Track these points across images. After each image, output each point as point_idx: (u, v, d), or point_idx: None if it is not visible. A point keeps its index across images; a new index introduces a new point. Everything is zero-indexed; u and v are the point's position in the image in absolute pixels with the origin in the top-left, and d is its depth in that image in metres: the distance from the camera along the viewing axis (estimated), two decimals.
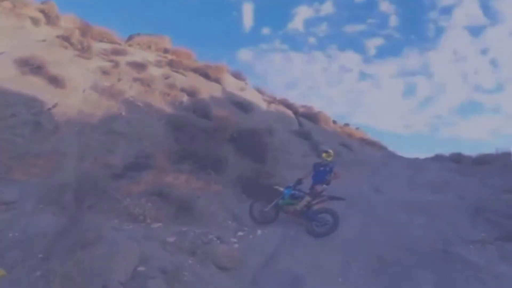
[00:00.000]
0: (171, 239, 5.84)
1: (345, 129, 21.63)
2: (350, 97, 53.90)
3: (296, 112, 19.28)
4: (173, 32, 60.15)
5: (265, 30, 52.26)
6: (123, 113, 12.25)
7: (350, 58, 49.19)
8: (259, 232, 7.59)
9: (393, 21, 52.92)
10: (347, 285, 6.11)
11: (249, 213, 8.60)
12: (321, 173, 8.42)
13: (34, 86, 11.41)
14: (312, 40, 52.70)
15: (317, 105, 53.52)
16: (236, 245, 6.52)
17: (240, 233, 7.32)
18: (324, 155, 8.73)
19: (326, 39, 56.13)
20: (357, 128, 23.50)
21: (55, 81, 12.21)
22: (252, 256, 6.30)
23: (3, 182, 7.25)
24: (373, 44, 48.08)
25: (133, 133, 11.14)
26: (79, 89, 12.30)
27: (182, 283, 4.64)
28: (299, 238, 7.46)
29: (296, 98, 57.77)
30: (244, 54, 49.03)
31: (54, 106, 11.07)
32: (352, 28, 54.31)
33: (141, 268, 4.53)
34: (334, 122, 22.55)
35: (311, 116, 19.34)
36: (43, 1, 19.52)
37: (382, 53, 56.33)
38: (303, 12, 48.98)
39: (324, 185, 8.35)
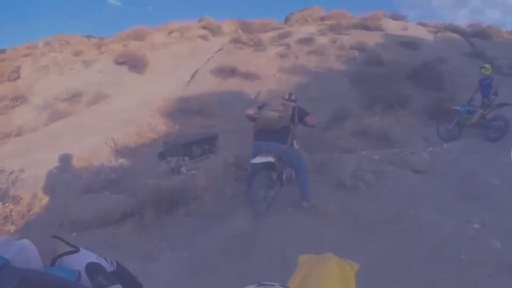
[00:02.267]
0: (376, 157, 8.77)
1: None
2: None
3: (464, 34, 19.52)
4: None
5: None
6: (311, 83, 15.64)
7: None
8: (445, 145, 9.80)
9: None
10: None
11: (437, 134, 10.90)
12: (484, 87, 10.10)
13: (236, 85, 15.75)
14: None
15: (493, 15, 47.63)
16: (427, 156, 9.00)
17: (429, 149, 9.63)
18: (482, 70, 10.32)
19: None
20: None
21: (249, 76, 16.35)
22: (439, 161, 8.63)
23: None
24: None
25: (325, 95, 14.39)
26: (269, 76, 15.96)
27: (386, 178, 7.55)
28: (478, 144, 9.39)
29: (467, 17, 52.34)
30: None
31: (258, 94, 15.11)
32: None
33: (358, 172, 7.65)
34: None
35: (481, 33, 19.36)
36: (199, 19, 24.30)
37: None
38: None
39: (492, 96, 10.00)
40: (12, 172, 10.14)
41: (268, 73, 16.35)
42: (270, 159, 5.93)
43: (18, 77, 18.98)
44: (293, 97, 7.07)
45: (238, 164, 8.18)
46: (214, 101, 14.78)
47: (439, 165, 8.50)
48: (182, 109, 14.31)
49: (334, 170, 8.00)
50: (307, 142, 10.74)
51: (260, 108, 6.39)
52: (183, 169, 9.05)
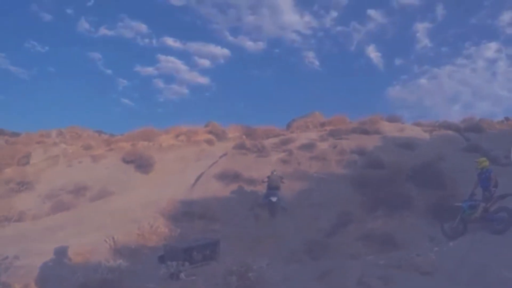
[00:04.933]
0: (382, 262, 8.77)
1: None
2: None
3: (459, 129, 20.46)
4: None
5: (397, 61, 52.56)
6: (314, 188, 16.08)
7: (489, 48, 45.14)
8: (451, 244, 9.81)
9: None
10: None
11: (441, 233, 10.92)
12: (483, 180, 10.41)
13: (239, 190, 16.27)
14: (445, 49, 50.68)
15: (484, 108, 49.99)
16: (433, 257, 8.98)
17: (435, 249, 9.63)
18: (477, 164, 10.73)
19: (459, 41, 53.16)
20: None
21: (252, 182, 16.87)
22: (447, 260, 8.60)
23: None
24: (504, 22, 43.41)
25: (328, 200, 14.72)
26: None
27: (393, 283, 7.51)
28: (484, 238, 9.40)
29: (459, 112, 54.84)
30: (392, 92, 50.13)
31: None
32: (474, 18, 50.56)
33: (364, 279, 7.62)
34: (507, 119, 22.70)
35: (474, 127, 20.42)
36: (206, 123, 25.82)
37: None
38: (420, 28, 47.94)
39: (493, 189, 10.25)
40: (6, 258, 10.13)
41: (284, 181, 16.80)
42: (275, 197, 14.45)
43: (28, 163, 19.97)
44: (275, 172, 15.58)
45: (240, 273, 8.21)
46: (217, 205, 15.13)
47: (448, 265, 8.47)
48: (185, 212, 14.63)
49: (339, 277, 8.04)
50: (311, 248, 10.88)
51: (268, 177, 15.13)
52: (182, 274, 9.07)
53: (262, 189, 15.67)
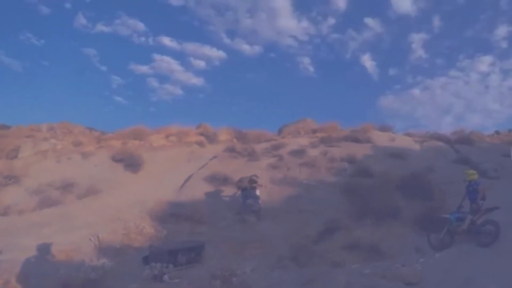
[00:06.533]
0: (367, 271, 8.78)
1: (506, 137, 22.12)
2: (505, 99, 49.10)
3: (449, 141, 20.67)
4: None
5: (391, 71, 52.98)
6: (302, 194, 16.08)
7: (483, 61, 45.74)
8: (437, 255, 9.86)
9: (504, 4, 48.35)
10: None
11: (428, 244, 10.97)
12: (471, 193, 10.51)
13: (227, 194, 16.32)
14: (439, 60, 51.28)
15: (475, 121, 50.68)
16: (419, 268, 9.01)
17: (421, 260, 9.67)
18: (466, 177, 10.84)
19: (453, 53, 53.85)
20: None
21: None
22: (432, 271, 8.65)
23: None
24: (499, 36, 44.10)
25: (316, 207, 14.73)
26: (261, 186, 16.30)
27: None
28: (471, 251, 9.47)
29: (450, 123, 55.47)
30: (385, 101, 50.54)
31: None
32: (470, 31, 51.39)
33: (349, 287, 7.67)
34: (497, 132, 23.02)
35: (465, 139, 20.65)
36: (197, 125, 25.76)
37: None
38: (416, 38, 48.47)
39: (481, 201, 10.35)
40: None
41: (260, 184, 16.81)
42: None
43: (16, 157, 19.54)
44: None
45: (224, 277, 8.28)
46: (205, 208, 15.04)
47: (433, 276, 8.52)
48: (172, 214, 14.54)
49: (324, 285, 8.06)
50: (297, 255, 10.86)
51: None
52: (166, 276, 9.09)
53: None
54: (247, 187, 15.14)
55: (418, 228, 12.54)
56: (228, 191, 16.31)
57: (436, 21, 45.98)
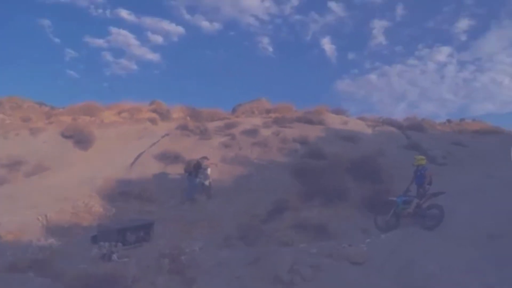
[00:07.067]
0: (314, 250, 8.73)
1: (457, 126, 22.84)
2: (459, 89, 51.50)
3: (401, 127, 21.15)
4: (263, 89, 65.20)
5: (350, 56, 53.94)
6: (253, 174, 15.87)
7: (442, 52, 47.56)
8: (383, 236, 9.97)
9: None
10: (457, 261, 8.08)
11: (375, 225, 11.09)
12: (419, 178, 10.69)
13: (178, 172, 15.79)
14: (398, 48, 52.75)
15: (429, 109, 52.74)
16: (365, 248, 9.03)
17: (367, 240, 9.74)
18: (414, 161, 11.01)
19: (413, 42, 55.56)
20: (473, 120, 24.34)
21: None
22: (378, 252, 8.72)
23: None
24: (459, 29, 45.84)
25: (266, 187, 14.59)
26: (212, 165, 15.98)
27: (324, 272, 7.50)
28: (415, 233, 9.65)
29: (404, 110, 57.55)
30: (341, 85, 51.38)
31: None
32: (432, 22, 53.17)
33: (295, 266, 7.56)
34: (449, 121, 23.91)
35: (416, 126, 21.18)
36: (151, 102, 25.10)
37: (474, 34, 52.37)
38: (378, 25, 49.53)
39: (427, 186, 10.53)
40: None
41: (212, 162, 16.51)
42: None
43: None
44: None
45: (173, 256, 8.10)
46: (155, 186, 14.78)
47: (378, 256, 8.58)
48: (122, 192, 14.25)
49: (271, 264, 7.91)
50: (245, 234, 10.67)
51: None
52: (115, 255, 8.86)
53: None
54: (192, 172, 14.60)
55: (366, 210, 12.68)
56: (179, 169, 15.77)
57: (400, 10, 47.36)
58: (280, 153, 17.43)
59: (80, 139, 18.77)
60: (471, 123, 24.21)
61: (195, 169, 14.50)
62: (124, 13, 44.68)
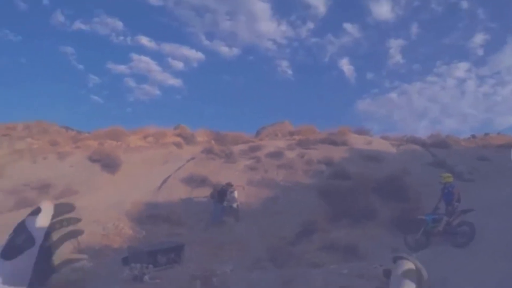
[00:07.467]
0: (345, 271, 8.82)
1: (481, 141, 22.61)
2: (480, 104, 50.71)
3: (425, 144, 21.07)
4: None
5: (369, 75, 53.97)
6: (279, 196, 16.06)
7: (460, 67, 47.13)
8: (413, 255, 9.94)
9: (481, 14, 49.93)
10: (490, 278, 8.01)
11: (405, 244, 11.09)
12: (446, 195, 10.70)
13: (205, 195, 16.00)
14: (416, 66, 52.57)
15: (451, 125, 52.01)
16: None
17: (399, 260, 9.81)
18: (441, 179, 11.04)
19: (430, 59, 55.36)
20: (498, 134, 24.08)
21: None
22: None
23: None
24: (476, 43, 45.42)
25: (293, 208, 14.72)
26: (239, 188, 16.20)
27: None
28: (446, 252, 9.65)
29: (426, 127, 56.88)
30: (362, 104, 51.33)
31: None
32: (447, 38, 52.88)
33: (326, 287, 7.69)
34: (473, 136, 23.68)
35: (440, 143, 21.06)
36: (175, 126, 25.61)
37: (491, 49, 51.82)
38: (394, 44, 49.63)
39: (456, 203, 10.53)
40: None
41: (239, 185, 16.73)
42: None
43: None
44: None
45: (205, 277, 8.19)
46: (183, 209, 15.00)
47: None
48: (150, 215, 14.44)
49: (303, 286, 8.03)
50: (274, 256, 10.82)
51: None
52: (146, 277, 8.94)
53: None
54: (217, 198, 14.76)
55: (395, 229, 12.68)
56: (206, 192, 16.07)
57: (414, 28, 47.32)
58: (305, 175, 17.60)
59: (107, 163, 19.14)
60: (496, 137, 23.98)
61: (220, 195, 14.71)
62: (144, 40, 45.99)
